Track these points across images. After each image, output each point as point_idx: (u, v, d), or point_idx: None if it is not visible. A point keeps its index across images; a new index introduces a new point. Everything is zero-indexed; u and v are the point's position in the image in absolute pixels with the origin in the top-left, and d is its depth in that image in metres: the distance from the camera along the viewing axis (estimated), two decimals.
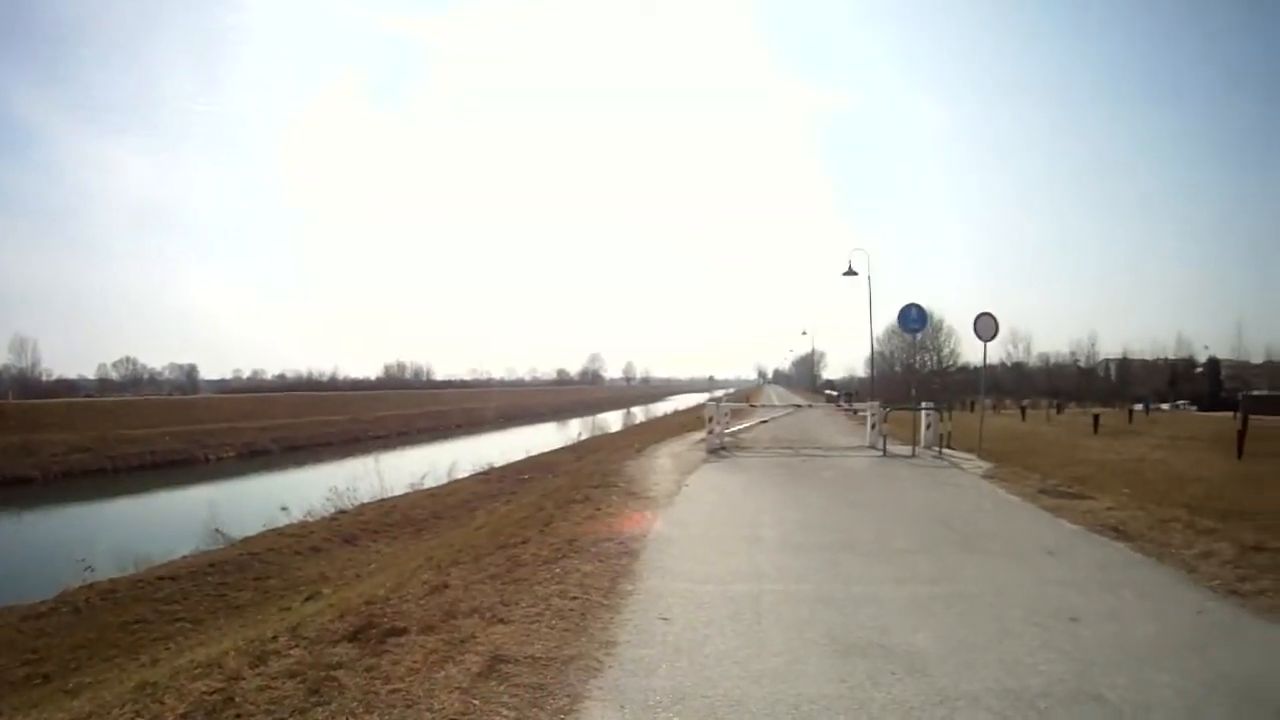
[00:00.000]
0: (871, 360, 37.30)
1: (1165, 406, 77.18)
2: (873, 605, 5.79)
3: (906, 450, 18.27)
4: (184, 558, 13.72)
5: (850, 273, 25.40)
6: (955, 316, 70.23)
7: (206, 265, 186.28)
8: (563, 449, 30.11)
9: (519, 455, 26.75)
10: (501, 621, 5.10)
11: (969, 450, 18.60)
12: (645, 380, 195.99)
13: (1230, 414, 37.08)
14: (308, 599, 9.33)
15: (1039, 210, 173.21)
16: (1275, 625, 5.83)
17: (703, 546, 7.85)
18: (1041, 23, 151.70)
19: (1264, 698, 4.40)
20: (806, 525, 9.27)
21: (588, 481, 13.00)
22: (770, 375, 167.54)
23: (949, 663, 4.65)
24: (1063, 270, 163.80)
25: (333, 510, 17.34)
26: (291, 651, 4.76)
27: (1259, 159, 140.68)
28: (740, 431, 24.16)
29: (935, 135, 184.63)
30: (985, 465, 16.21)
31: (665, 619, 5.31)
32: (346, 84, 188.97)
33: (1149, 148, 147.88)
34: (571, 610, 5.39)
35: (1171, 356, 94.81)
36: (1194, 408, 78.77)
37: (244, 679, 4.36)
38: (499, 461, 25.30)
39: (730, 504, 10.77)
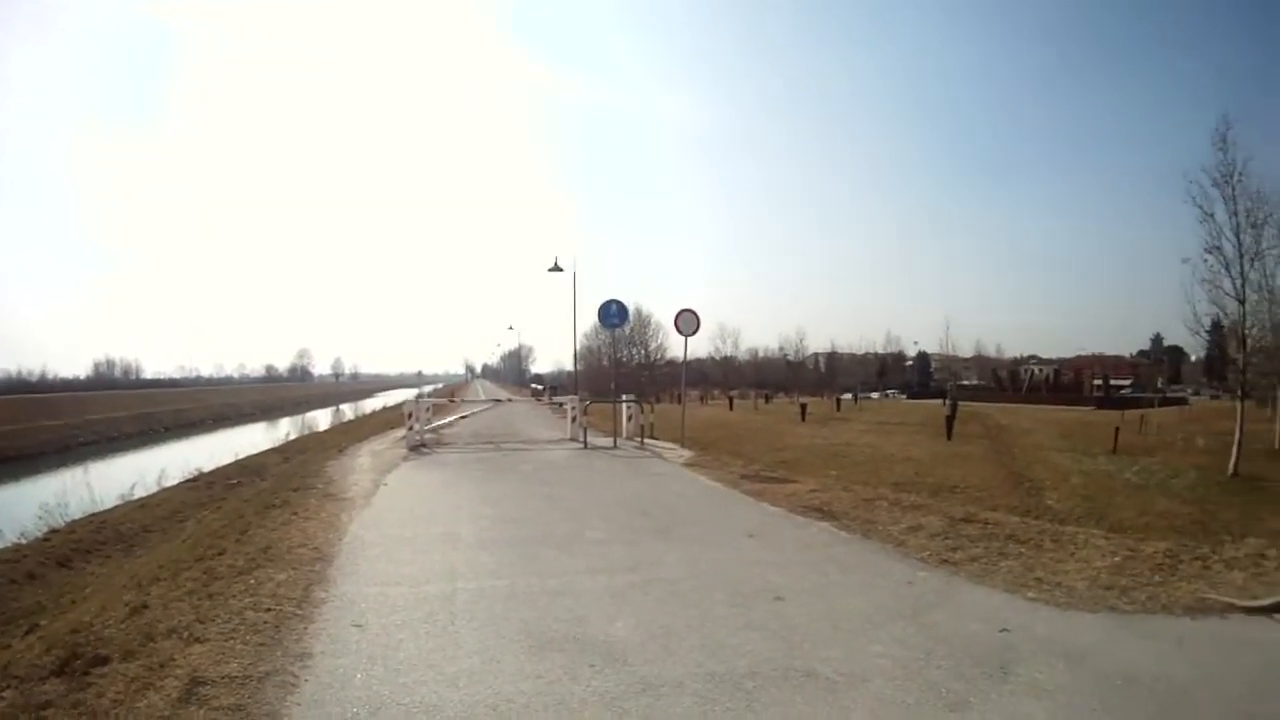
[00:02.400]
0: (574, 354, 39.68)
1: (875, 395, 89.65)
2: (568, 598, 6.20)
3: (608, 442, 19.61)
4: None
5: (556, 269, 27.81)
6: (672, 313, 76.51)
7: None
8: (271, 450, 30.03)
9: (228, 458, 26.78)
10: (199, 641, 5.33)
11: (673, 440, 20.07)
12: (354, 376, 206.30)
13: (940, 401, 43.95)
14: (27, 632, 8.87)
15: (777, 213, 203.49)
16: (988, 588, 6.63)
17: (397, 547, 8.25)
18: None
19: (983, 655, 4.92)
20: (503, 520, 9.81)
21: (287, 485, 13.69)
22: (479, 370, 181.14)
23: (649, 650, 5.01)
24: (786, 270, 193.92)
25: (45, 530, 16.71)
26: (4, 694, 4.81)
27: (955, 177, 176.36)
28: (443, 427, 26.02)
29: (684, 134, 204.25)
30: (688, 454, 17.60)
31: (359, 625, 5.62)
32: None
33: (861, 162, 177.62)
34: (266, 623, 5.67)
35: (881, 351, 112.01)
36: (903, 396, 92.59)
37: None
38: (209, 466, 25.15)
39: (427, 502, 11.39)
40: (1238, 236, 23.67)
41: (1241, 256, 23.64)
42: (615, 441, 19.60)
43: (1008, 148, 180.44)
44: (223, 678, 4.65)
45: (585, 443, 19.34)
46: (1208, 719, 4.35)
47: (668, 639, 5.19)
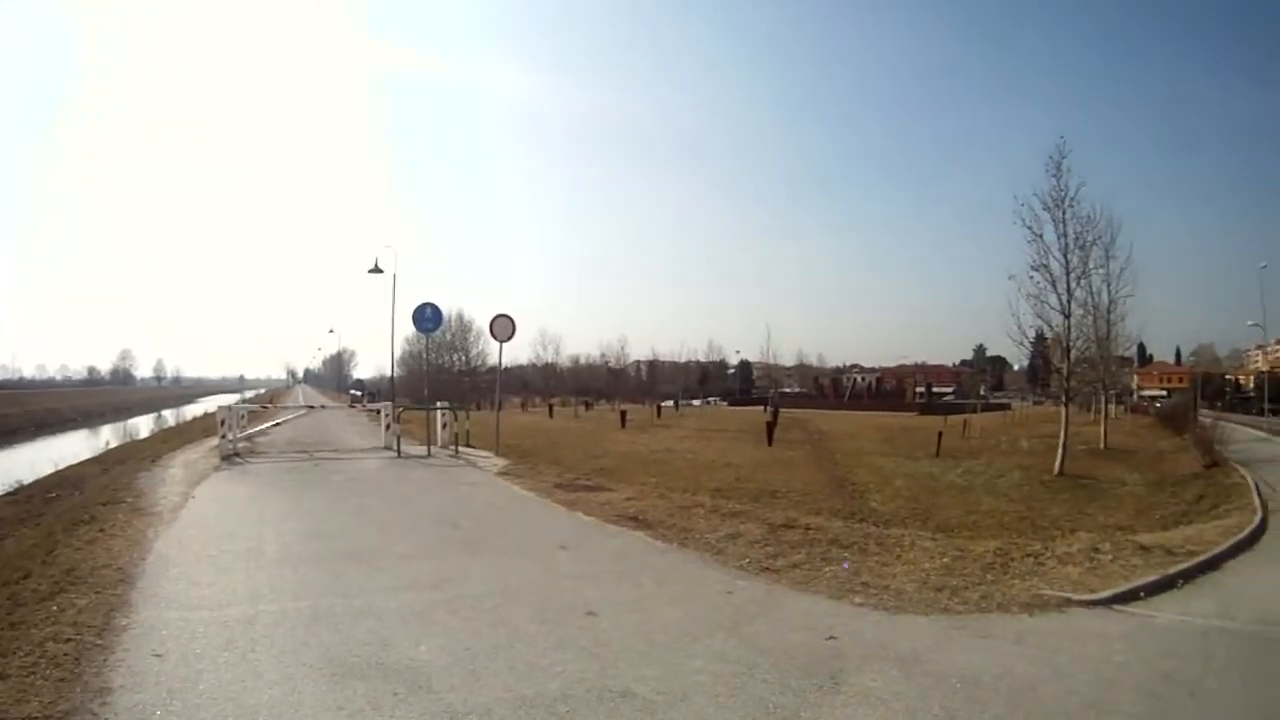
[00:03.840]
0: (392, 359, 38.50)
1: (696, 402, 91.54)
2: (372, 619, 5.92)
3: (423, 450, 19.30)
4: None
5: (376, 270, 26.59)
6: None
7: None
8: (91, 460, 27.70)
9: (48, 469, 24.45)
10: (2, 677, 4.99)
11: (489, 449, 19.95)
12: (177, 380, 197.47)
13: (760, 407, 45.23)
14: None
15: (610, 216, 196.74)
16: (812, 595, 6.56)
17: (201, 567, 7.82)
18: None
19: (811, 665, 4.79)
20: (309, 535, 9.47)
21: (97, 498, 13.02)
22: (301, 375, 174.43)
23: (455, 675, 4.74)
24: (611, 276, 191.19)
25: None
26: None
27: (787, 190, 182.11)
28: (257, 435, 25.33)
29: (520, 114, 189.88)
30: (503, 462, 17.53)
31: (158, 655, 5.29)
32: None
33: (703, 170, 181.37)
34: (66, 655, 5.33)
35: (703, 359, 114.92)
36: (725, 403, 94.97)
37: None
38: (28, 477, 22.64)
39: (235, 516, 10.91)
40: (1065, 256, 25.44)
41: (1069, 274, 25.44)
42: (429, 450, 19.35)
43: (842, 164, 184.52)
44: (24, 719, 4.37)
45: (399, 451, 19.05)
46: (1055, 713, 4.33)
47: (475, 662, 4.92)
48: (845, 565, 7.62)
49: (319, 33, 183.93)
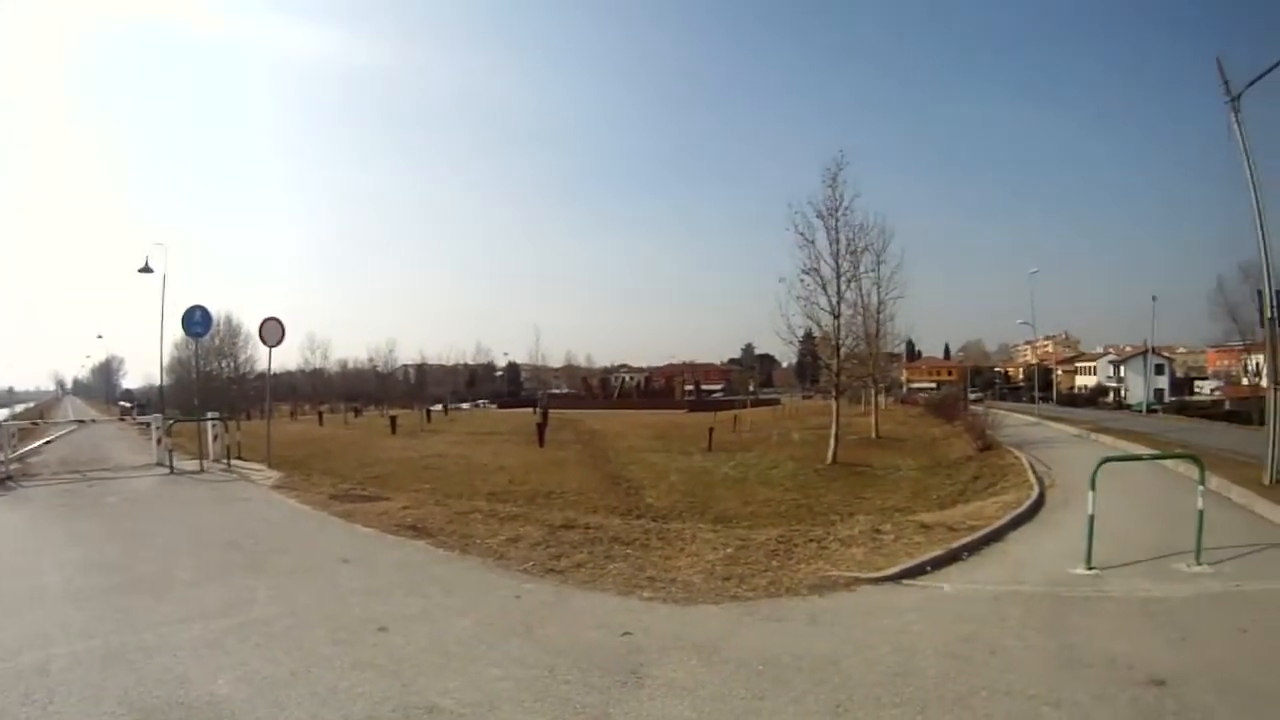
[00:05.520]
0: (161, 368, 35.48)
1: (466, 405, 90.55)
2: (165, 654, 5.56)
3: (195, 465, 18.33)
4: None
5: (146, 269, 24.36)
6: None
7: None
8: None
9: None
10: None
11: (261, 460, 19.18)
12: None
13: (530, 409, 45.42)
14: None
15: (378, 213, 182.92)
16: (600, 593, 6.74)
17: None
18: None
19: (610, 662, 4.94)
20: (91, 565, 8.79)
21: None
22: (70, 385, 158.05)
23: (259, 707, 4.52)
24: (379, 275, 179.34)
25: None
26: None
27: (561, 192, 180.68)
28: (29, 454, 23.33)
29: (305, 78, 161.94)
30: (276, 475, 16.90)
31: None
32: None
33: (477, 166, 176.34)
34: None
35: (471, 361, 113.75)
36: (494, 406, 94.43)
37: None
38: None
39: (12, 547, 10.29)
40: (837, 261, 27.24)
41: (839, 277, 27.26)
42: (202, 465, 18.37)
43: (612, 164, 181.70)
44: None
45: (171, 468, 17.91)
46: (861, 684, 4.59)
47: (276, 691, 4.72)
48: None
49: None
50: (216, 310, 45.13)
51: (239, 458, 19.43)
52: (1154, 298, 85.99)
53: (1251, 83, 12.62)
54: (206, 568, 8.38)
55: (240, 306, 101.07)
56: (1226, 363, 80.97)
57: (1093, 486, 8.13)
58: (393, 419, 41.50)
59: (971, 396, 66.46)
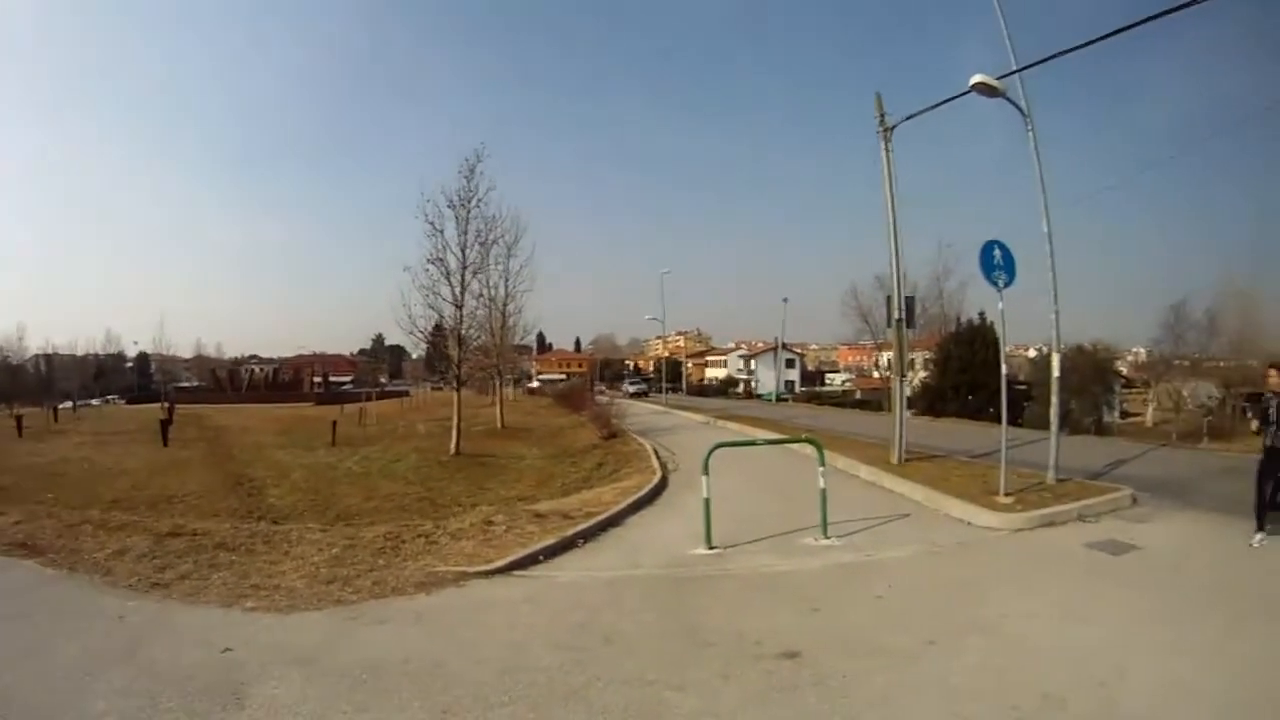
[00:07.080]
0: None
1: (96, 401, 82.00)
2: None
3: None
4: None
5: None
6: None
7: None
8: None
9: None
10: None
11: None
12: None
13: (160, 405, 42.12)
14: None
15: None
16: (204, 606, 6.40)
17: None
18: None
19: (212, 684, 4.68)
20: None
21: None
22: None
23: None
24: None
25: None
26: None
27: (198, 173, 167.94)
28: None
29: None
30: None
31: None
32: None
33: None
34: None
35: (101, 351, 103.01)
36: (123, 401, 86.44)
37: None
38: None
39: None
40: (463, 252, 27.02)
41: (465, 268, 27.05)
42: None
43: (249, 144, 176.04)
44: None
45: None
46: (468, 685, 4.63)
47: None
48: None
49: None
50: None
51: None
52: (785, 299, 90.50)
53: (907, 118, 14.01)
54: None
55: None
56: (858, 358, 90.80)
57: (705, 470, 8.48)
58: (18, 419, 36.53)
59: (633, 389, 70.33)
